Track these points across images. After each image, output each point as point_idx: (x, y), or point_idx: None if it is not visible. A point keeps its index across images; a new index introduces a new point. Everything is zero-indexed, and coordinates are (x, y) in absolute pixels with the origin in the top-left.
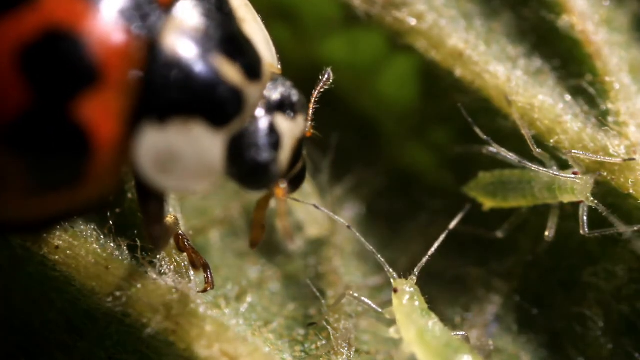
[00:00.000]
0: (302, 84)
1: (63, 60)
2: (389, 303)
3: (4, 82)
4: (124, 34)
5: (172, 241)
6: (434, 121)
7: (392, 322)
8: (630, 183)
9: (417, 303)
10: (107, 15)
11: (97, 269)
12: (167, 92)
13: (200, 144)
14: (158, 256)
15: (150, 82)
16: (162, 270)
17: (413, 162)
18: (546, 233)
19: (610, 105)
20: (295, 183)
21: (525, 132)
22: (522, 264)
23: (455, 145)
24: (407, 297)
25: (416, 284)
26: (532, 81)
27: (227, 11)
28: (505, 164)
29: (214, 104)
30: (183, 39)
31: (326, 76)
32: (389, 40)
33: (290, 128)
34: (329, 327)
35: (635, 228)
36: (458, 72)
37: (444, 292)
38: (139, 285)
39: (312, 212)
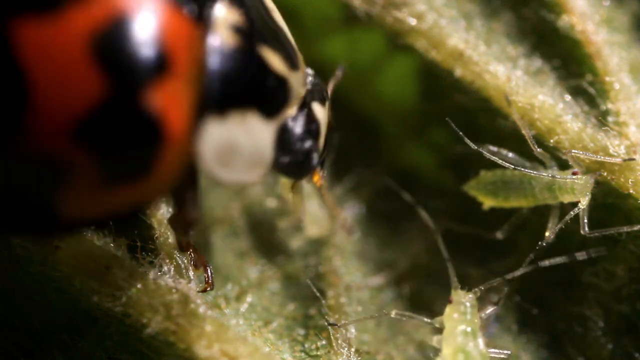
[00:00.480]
0: None
1: (136, 47)
2: (389, 303)
3: (76, 74)
4: (189, 22)
5: (172, 241)
6: (434, 121)
7: (390, 322)
8: (630, 183)
9: (468, 317)
10: (173, 4)
11: (97, 269)
12: (225, 83)
13: (255, 135)
14: (158, 256)
15: (210, 75)
16: (162, 270)
17: (413, 162)
18: (546, 233)
19: (610, 105)
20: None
21: (526, 132)
22: (522, 264)
23: (455, 145)
24: (461, 310)
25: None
26: (532, 81)
27: (264, 4)
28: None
29: (266, 94)
30: (234, 30)
31: (340, 71)
32: (389, 40)
33: (324, 115)
34: (329, 327)
35: (635, 228)
36: (458, 72)
37: (444, 292)
38: (139, 285)
39: (312, 213)
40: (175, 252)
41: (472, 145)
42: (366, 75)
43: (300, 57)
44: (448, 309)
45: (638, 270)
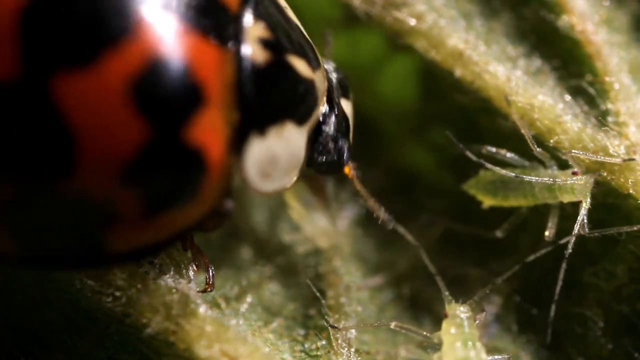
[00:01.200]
0: None
1: (169, 88)
2: (388, 303)
3: (117, 120)
4: (217, 49)
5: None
6: (434, 121)
7: (390, 321)
8: (630, 183)
9: (466, 330)
10: (199, 32)
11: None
12: (261, 101)
13: (292, 143)
14: (158, 256)
15: (243, 94)
16: (162, 271)
17: (413, 162)
18: (546, 233)
19: (610, 105)
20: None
21: (525, 132)
22: (522, 264)
23: (455, 145)
24: (457, 324)
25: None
26: (532, 81)
27: (276, 5)
28: (505, 164)
29: (299, 101)
30: (260, 46)
31: (329, 39)
32: (389, 40)
33: (351, 109)
34: (329, 327)
35: (635, 228)
36: (458, 72)
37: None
38: (139, 285)
39: (318, 224)
40: (175, 252)
41: (474, 158)
42: (366, 75)
43: (317, 52)
44: (445, 324)
45: (638, 270)
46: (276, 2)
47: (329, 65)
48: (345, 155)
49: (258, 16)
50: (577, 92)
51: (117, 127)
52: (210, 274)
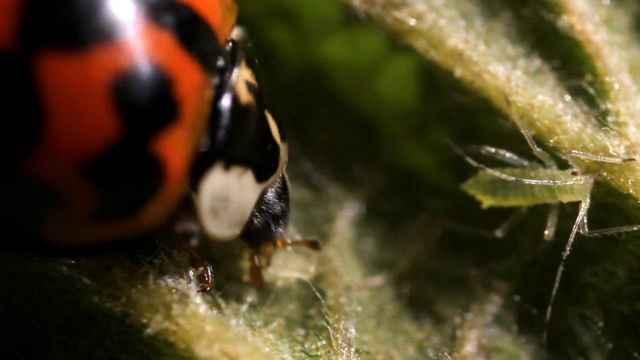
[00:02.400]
0: (302, 84)
1: (151, 97)
2: (389, 303)
3: (94, 113)
4: (205, 76)
5: (173, 240)
6: (434, 121)
7: (390, 322)
8: (630, 183)
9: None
10: (190, 56)
11: (97, 269)
12: (234, 137)
13: (246, 194)
14: (158, 256)
15: (218, 124)
16: (162, 271)
17: (413, 162)
18: (545, 232)
19: (610, 105)
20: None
21: (525, 132)
22: (522, 264)
23: (455, 145)
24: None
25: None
26: (531, 81)
27: (262, 73)
28: (505, 164)
29: (264, 157)
30: (248, 88)
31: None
32: (389, 40)
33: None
34: (329, 327)
35: (635, 228)
36: (458, 72)
37: (444, 292)
38: (139, 286)
39: (290, 263)
40: (175, 252)
41: (473, 163)
42: (366, 75)
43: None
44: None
45: (638, 270)
46: (262, 74)
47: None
48: (287, 221)
49: (249, 65)
50: (577, 92)
51: (90, 119)
52: (209, 273)
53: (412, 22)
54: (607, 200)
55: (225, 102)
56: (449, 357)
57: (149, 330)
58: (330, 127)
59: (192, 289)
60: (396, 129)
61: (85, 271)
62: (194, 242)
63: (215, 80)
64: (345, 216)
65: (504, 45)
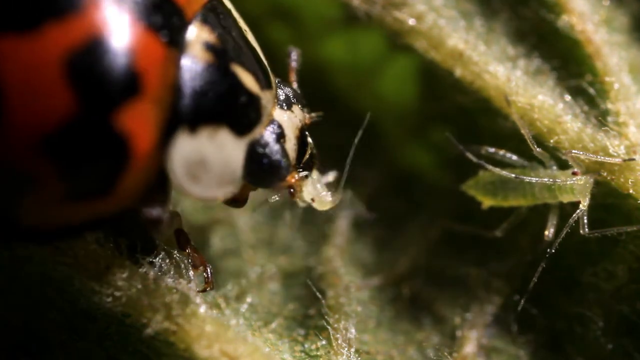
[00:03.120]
0: (302, 84)
1: (109, 69)
2: (389, 303)
3: (50, 89)
4: (161, 45)
5: (173, 240)
6: (434, 121)
7: (390, 322)
8: (630, 183)
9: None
10: (147, 26)
11: (97, 269)
12: (196, 100)
13: (226, 152)
14: (158, 256)
15: (182, 93)
16: (162, 271)
17: (413, 162)
18: (546, 232)
19: (610, 105)
20: (306, 169)
21: (525, 132)
22: (522, 264)
23: (455, 145)
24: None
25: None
26: (531, 81)
27: (234, 23)
28: (505, 164)
29: (238, 111)
30: (207, 49)
31: (293, 55)
32: (389, 40)
33: (290, 122)
34: (329, 327)
35: (635, 228)
36: (458, 72)
37: (444, 292)
38: (139, 286)
39: (314, 192)
40: (175, 252)
41: (474, 159)
42: (366, 75)
43: (273, 78)
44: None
45: (638, 270)
46: (233, 21)
47: (287, 89)
48: (282, 173)
49: (206, 22)
50: (577, 92)
51: (46, 96)
52: (209, 273)
53: (412, 22)
54: (607, 200)
55: (180, 68)
56: (449, 357)
57: (149, 330)
58: (330, 127)
59: (192, 289)
60: (396, 129)
61: (85, 271)
62: (191, 241)
63: (174, 47)
64: (345, 216)
65: (504, 45)
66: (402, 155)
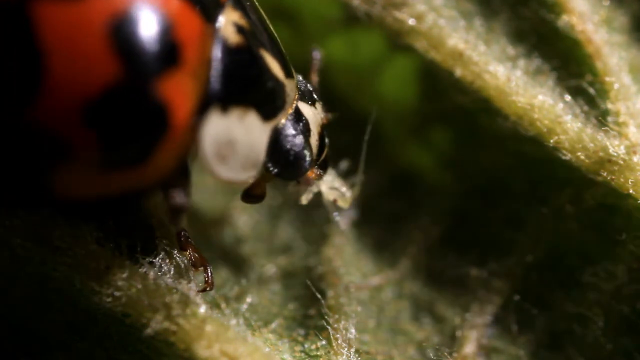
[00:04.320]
0: None
1: (152, 38)
2: (389, 303)
3: (93, 55)
4: (200, 21)
5: (174, 240)
6: (434, 121)
7: (390, 322)
8: (630, 183)
9: None
10: (188, 1)
11: (97, 269)
12: (230, 79)
13: (253, 134)
14: (158, 256)
15: (216, 70)
16: (162, 271)
17: (413, 162)
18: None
19: (610, 105)
20: (322, 168)
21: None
22: (522, 264)
23: (455, 145)
24: None
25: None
26: (531, 81)
27: (259, 12)
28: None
29: (266, 95)
30: (239, 33)
31: (317, 55)
32: (389, 40)
33: (313, 115)
34: (329, 327)
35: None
36: (458, 72)
37: (444, 292)
38: (139, 285)
39: (331, 188)
40: (175, 252)
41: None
42: (366, 75)
43: (291, 67)
44: None
45: (638, 270)
46: (257, 11)
47: (299, 78)
48: (305, 162)
49: (237, 7)
50: (577, 92)
51: (89, 63)
52: (209, 273)
53: (412, 22)
54: (607, 200)
55: (215, 46)
56: (449, 357)
57: (149, 331)
58: (330, 127)
59: (192, 289)
60: (396, 129)
61: (85, 271)
62: (191, 241)
63: (211, 24)
64: (345, 216)
65: (504, 45)
66: (402, 155)
